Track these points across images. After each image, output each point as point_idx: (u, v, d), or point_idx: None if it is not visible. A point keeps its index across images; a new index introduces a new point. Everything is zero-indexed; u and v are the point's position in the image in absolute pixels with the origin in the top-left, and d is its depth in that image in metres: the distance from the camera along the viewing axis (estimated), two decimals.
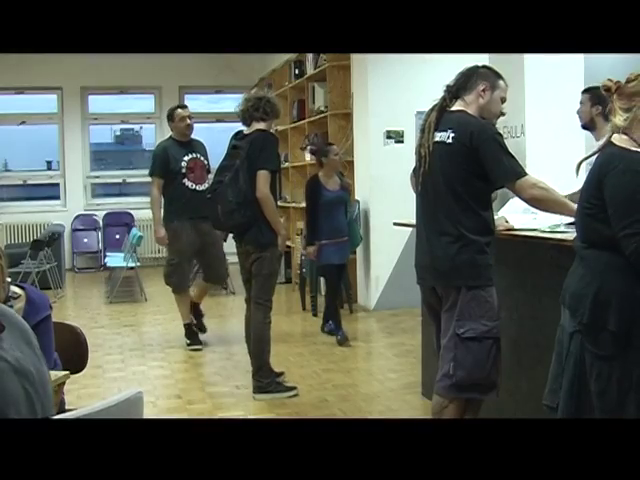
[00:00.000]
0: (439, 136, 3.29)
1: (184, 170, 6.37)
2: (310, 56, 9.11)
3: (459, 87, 3.36)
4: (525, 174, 3.21)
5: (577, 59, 5.30)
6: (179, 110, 6.51)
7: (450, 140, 3.25)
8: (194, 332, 6.57)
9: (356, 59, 8.03)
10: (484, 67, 3.47)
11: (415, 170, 3.45)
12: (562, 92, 4.91)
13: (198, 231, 6.28)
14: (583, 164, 2.85)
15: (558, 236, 3.51)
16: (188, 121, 6.46)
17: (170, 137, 6.63)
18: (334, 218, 6.51)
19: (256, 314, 4.95)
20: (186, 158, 6.39)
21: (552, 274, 3.60)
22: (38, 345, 1.85)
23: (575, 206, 3.18)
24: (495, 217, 3.57)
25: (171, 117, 6.50)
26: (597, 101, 4.52)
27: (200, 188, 6.32)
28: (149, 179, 6.56)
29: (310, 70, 9.13)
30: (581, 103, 4.63)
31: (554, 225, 3.73)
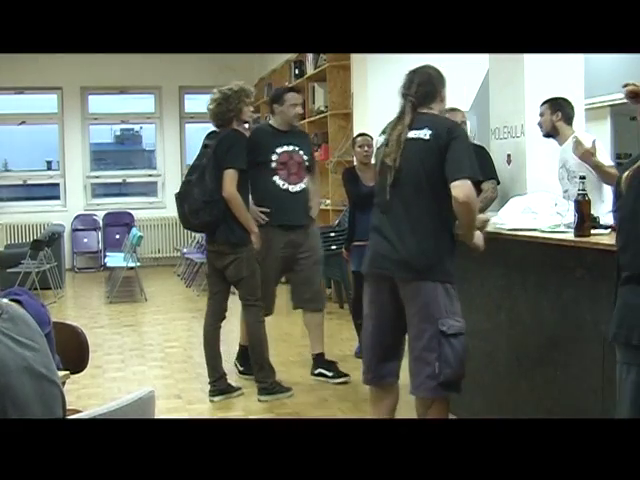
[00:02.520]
0: (414, 134, 3.33)
1: (274, 164, 5.21)
2: (310, 56, 9.11)
3: (424, 96, 3.42)
4: (477, 179, 3.28)
5: (577, 59, 5.30)
6: (292, 94, 5.36)
7: (427, 137, 3.30)
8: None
9: (356, 59, 8.02)
10: (431, 68, 3.54)
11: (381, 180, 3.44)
12: (562, 92, 4.90)
13: (289, 242, 5.24)
14: None
15: (558, 236, 3.51)
16: (300, 109, 5.40)
17: (267, 123, 5.59)
18: (369, 217, 5.68)
19: (248, 315, 4.94)
20: (279, 150, 5.23)
21: (552, 274, 3.61)
22: (47, 343, 1.85)
23: (478, 235, 3.38)
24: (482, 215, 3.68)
25: (279, 99, 5.34)
26: (557, 108, 4.75)
27: (294, 189, 5.25)
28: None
29: (310, 70, 9.13)
30: (541, 115, 4.81)
31: (554, 225, 3.73)
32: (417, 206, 3.32)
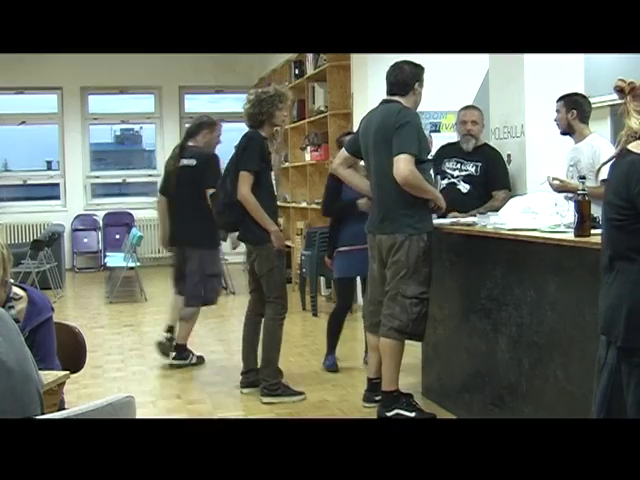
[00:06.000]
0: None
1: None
2: (310, 56, 9.11)
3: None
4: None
5: (577, 59, 5.30)
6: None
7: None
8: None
9: (356, 59, 8.02)
10: None
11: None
12: (562, 92, 4.90)
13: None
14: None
15: (558, 236, 3.52)
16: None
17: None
18: (355, 221, 5.20)
19: (267, 311, 5.02)
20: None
21: (553, 274, 3.61)
22: (24, 342, 1.84)
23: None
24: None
25: (422, 79, 4.42)
26: (572, 106, 4.69)
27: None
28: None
29: (310, 70, 9.12)
30: (557, 111, 4.75)
31: (554, 225, 3.74)
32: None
